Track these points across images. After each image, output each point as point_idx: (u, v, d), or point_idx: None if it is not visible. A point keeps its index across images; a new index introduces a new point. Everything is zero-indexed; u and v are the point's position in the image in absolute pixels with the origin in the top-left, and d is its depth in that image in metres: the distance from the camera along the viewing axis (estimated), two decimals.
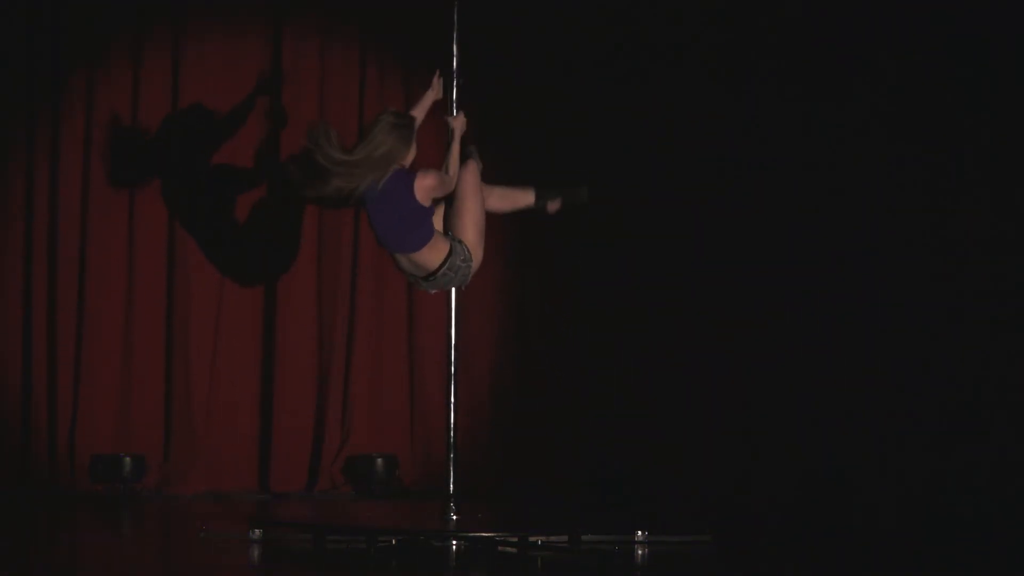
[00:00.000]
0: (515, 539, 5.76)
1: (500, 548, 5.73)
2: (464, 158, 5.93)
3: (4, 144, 7.82)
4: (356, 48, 8.04)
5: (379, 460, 7.74)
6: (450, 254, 5.77)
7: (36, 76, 7.79)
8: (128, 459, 7.57)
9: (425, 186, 5.69)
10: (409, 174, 5.73)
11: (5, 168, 7.82)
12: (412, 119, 5.85)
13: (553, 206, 6.22)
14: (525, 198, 6.19)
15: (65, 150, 7.78)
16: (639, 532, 5.96)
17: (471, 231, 5.86)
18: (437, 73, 6.09)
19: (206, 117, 7.85)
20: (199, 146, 7.84)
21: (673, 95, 7.86)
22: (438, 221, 5.87)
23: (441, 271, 5.78)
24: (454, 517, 5.98)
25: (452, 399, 6.13)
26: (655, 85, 7.88)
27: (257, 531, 5.99)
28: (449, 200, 5.88)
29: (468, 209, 5.88)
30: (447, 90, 6.12)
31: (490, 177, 6.05)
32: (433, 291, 5.95)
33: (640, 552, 5.88)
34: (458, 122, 5.98)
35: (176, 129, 7.84)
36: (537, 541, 5.79)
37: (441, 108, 6.14)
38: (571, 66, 7.94)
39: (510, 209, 6.18)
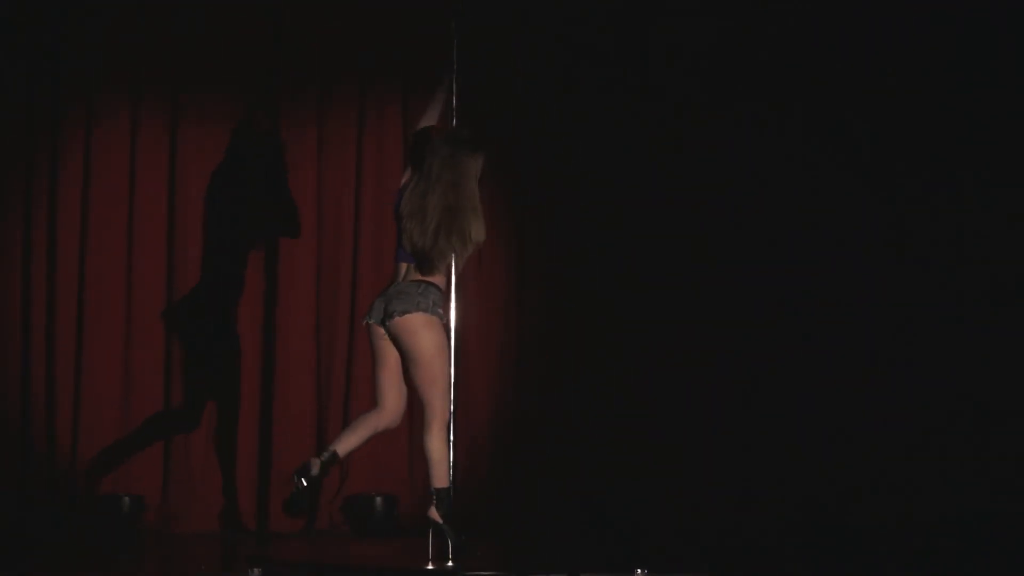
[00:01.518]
0: None
1: None
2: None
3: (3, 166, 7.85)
4: (355, 52, 8.05)
5: (378, 499, 7.72)
6: (432, 285, 5.91)
7: (36, 95, 7.81)
8: (127, 499, 7.58)
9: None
10: None
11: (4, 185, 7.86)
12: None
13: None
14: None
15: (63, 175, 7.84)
16: (638, 570, 5.95)
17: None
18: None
19: (205, 131, 7.91)
20: (200, 160, 7.91)
21: (674, 95, 7.91)
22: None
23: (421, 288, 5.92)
24: (451, 562, 6.00)
25: (451, 438, 6.14)
26: (656, 85, 7.92)
27: (256, 570, 5.98)
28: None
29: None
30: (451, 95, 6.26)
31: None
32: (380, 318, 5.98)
33: None
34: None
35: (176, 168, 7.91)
36: None
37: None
38: (569, 67, 8.00)
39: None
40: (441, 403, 5.94)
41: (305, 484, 5.83)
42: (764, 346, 7.74)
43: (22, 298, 7.78)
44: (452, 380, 6.13)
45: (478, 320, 7.90)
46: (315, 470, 5.85)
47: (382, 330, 5.97)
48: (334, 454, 5.91)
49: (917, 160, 7.72)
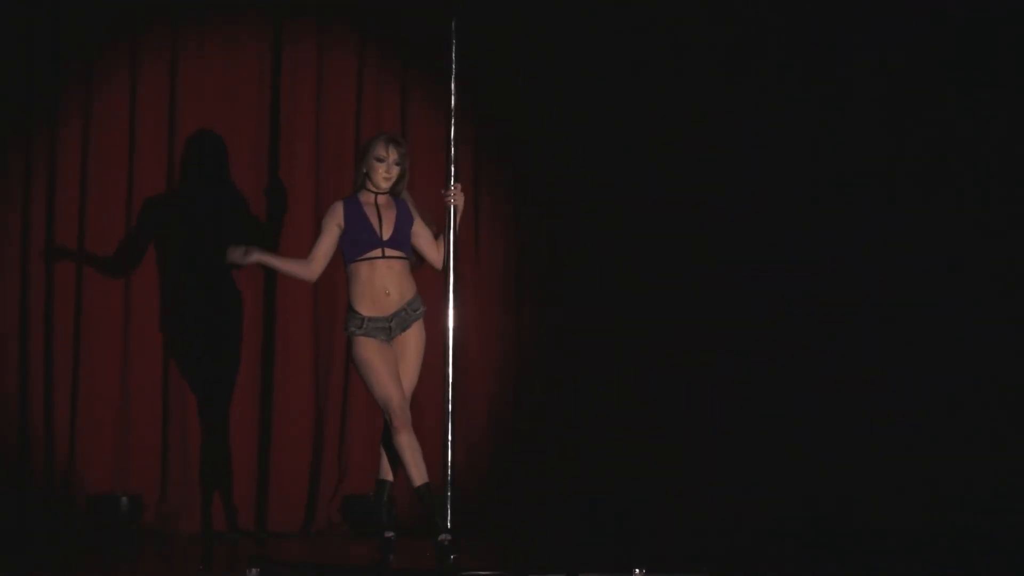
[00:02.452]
0: None
1: None
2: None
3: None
4: (354, 56, 8.03)
5: None
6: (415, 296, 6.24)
7: (34, 76, 7.74)
8: (125, 499, 7.57)
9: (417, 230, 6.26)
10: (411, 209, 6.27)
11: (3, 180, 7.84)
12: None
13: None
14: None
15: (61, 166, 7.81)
16: (637, 570, 5.94)
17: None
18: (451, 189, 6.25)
19: (204, 125, 7.87)
20: (198, 160, 7.87)
21: (674, 95, 7.91)
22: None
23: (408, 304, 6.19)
24: (452, 557, 5.99)
25: (450, 437, 6.15)
26: (656, 84, 7.92)
27: (254, 570, 5.98)
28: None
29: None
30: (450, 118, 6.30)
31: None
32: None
33: None
34: (459, 198, 6.23)
35: (176, 144, 7.88)
36: None
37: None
38: (569, 67, 7.99)
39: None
40: (384, 408, 6.14)
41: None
42: (764, 346, 7.74)
43: (21, 297, 7.77)
44: (451, 380, 6.21)
45: (478, 320, 7.90)
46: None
47: None
48: (417, 488, 6.10)
49: (917, 160, 7.72)
